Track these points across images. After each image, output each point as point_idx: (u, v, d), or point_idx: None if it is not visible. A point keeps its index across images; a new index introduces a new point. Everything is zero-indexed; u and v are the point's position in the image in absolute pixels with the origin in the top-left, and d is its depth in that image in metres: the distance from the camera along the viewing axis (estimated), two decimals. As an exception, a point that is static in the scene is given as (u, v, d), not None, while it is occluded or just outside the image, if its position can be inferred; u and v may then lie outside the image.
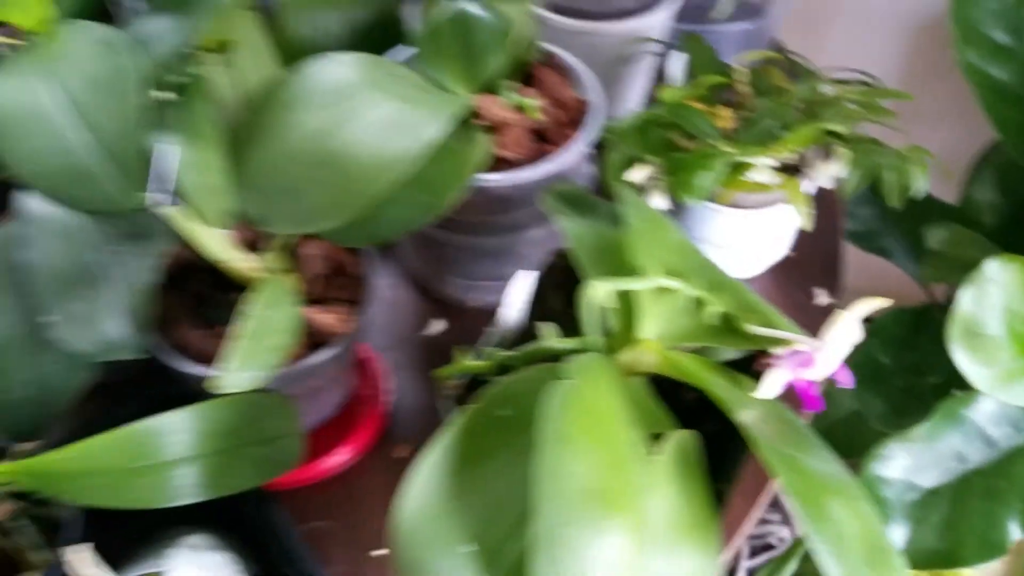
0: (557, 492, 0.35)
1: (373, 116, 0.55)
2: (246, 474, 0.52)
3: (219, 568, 0.52)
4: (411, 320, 0.80)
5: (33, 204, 0.54)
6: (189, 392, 0.58)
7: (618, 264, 0.49)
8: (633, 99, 0.92)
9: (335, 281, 0.60)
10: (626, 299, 0.47)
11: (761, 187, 0.68)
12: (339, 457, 0.69)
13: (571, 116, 0.68)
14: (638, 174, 0.66)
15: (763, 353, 0.49)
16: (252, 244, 0.58)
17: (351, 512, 0.67)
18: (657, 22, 0.84)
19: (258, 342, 0.49)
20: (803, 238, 0.83)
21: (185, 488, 0.49)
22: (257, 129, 0.57)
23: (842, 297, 0.84)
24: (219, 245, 0.55)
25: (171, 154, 0.50)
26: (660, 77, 0.92)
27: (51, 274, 0.52)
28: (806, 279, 0.85)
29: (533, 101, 0.66)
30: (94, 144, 0.49)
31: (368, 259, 0.61)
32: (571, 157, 0.64)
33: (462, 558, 0.39)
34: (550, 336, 0.48)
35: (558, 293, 0.57)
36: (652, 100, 0.92)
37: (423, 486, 0.41)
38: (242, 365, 0.47)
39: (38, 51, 0.50)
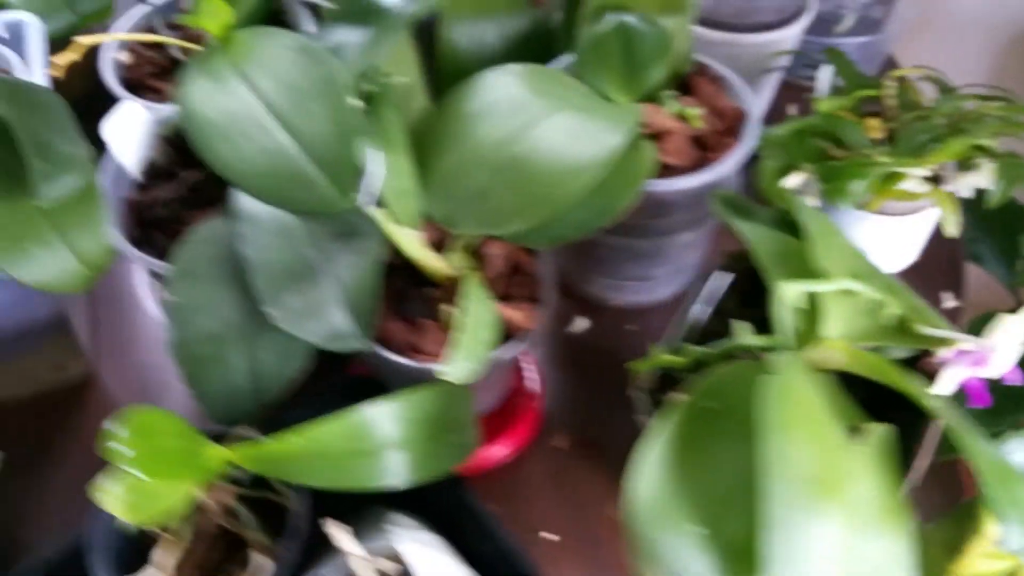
0: (783, 477, 0.38)
1: (554, 125, 0.58)
2: (445, 459, 0.54)
3: (433, 544, 0.55)
4: (556, 317, 0.82)
5: (247, 202, 0.56)
6: (374, 382, 0.62)
7: (797, 266, 0.51)
8: (761, 108, 0.94)
9: (514, 279, 0.63)
10: (810, 300, 0.50)
11: (907, 195, 0.71)
12: (503, 446, 0.72)
13: (727, 124, 0.70)
14: (792, 180, 0.69)
15: (927, 353, 0.51)
16: (438, 244, 0.62)
17: (516, 497, 0.70)
18: (791, 35, 0.86)
19: (475, 335, 0.52)
20: (929, 244, 0.85)
21: (396, 471, 0.51)
22: (441, 137, 0.60)
23: (965, 301, 0.86)
24: (413, 244, 0.58)
25: (375, 159, 0.53)
26: (787, 87, 0.94)
27: (269, 268, 0.55)
28: (933, 283, 0.87)
29: (695, 110, 0.68)
30: (299, 147, 0.51)
31: (544, 258, 0.64)
32: (732, 164, 0.67)
33: (689, 536, 0.42)
34: (744, 334, 0.52)
35: (732, 294, 0.60)
36: (778, 110, 0.95)
37: (651, 472, 0.43)
38: (465, 357, 0.51)
39: (225, 55, 0.51)
